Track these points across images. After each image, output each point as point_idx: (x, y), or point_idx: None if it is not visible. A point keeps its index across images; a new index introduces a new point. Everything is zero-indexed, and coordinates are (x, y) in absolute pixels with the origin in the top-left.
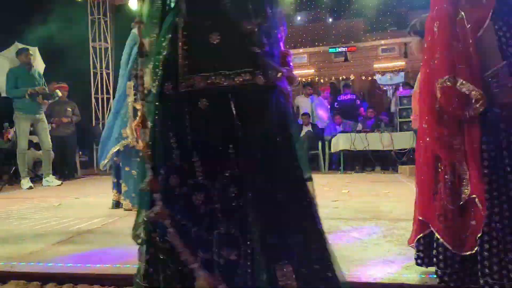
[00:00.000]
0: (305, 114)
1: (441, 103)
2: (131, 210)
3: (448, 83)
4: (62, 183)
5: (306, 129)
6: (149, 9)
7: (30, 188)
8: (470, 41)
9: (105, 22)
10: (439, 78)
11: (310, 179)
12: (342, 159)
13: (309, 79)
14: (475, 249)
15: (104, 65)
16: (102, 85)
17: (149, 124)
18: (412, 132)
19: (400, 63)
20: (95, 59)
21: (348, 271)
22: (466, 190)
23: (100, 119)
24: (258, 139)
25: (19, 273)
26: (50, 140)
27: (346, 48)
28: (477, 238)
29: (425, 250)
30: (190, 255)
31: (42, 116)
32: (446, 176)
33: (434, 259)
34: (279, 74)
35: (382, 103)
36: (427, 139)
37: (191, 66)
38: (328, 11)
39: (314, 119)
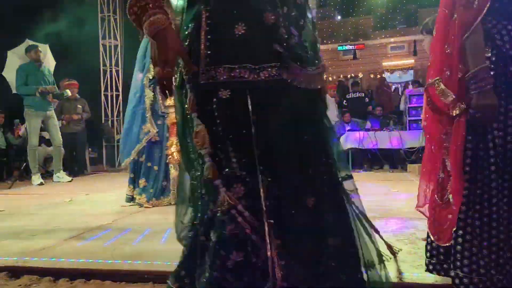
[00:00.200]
0: None
1: (430, 102)
2: (143, 205)
3: (436, 85)
4: (72, 179)
5: None
6: None
7: (41, 184)
8: (456, 44)
9: (115, 20)
10: (429, 79)
11: (349, 177)
12: (350, 157)
13: None
14: (451, 242)
15: (113, 63)
16: (111, 82)
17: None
18: (421, 130)
19: (410, 61)
20: (104, 56)
21: None
22: (449, 187)
23: (109, 116)
24: (280, 137)
25: (32, 268)
26: (60, 136)
27: (355, 46)
28: (452, 231)
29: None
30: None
31: (52, 112)
32: (439, 172)
33: (427, 249)
34: (310, 70)
35: (391, 101)
36: (427, 136)
37: (213, 56)
38: (336, 9)
39: None
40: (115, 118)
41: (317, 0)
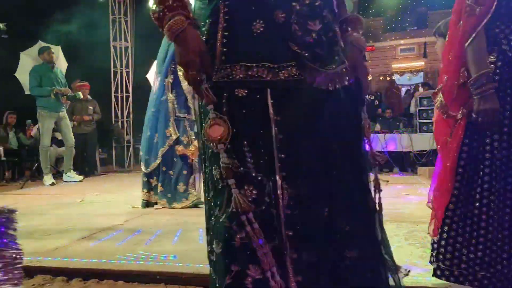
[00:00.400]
0: None
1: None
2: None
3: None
4: (83, 178)
5: None
6: None
7: (53, 184)
8: (456, 50)
9: (126, 22)
10: (440, 83)
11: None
12: None
13: None
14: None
15: (124, 64)
16: (121, 83)
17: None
18: (432, 133)
19: (420, 63)
20: (115, 58)
21: None
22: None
23: (119, 117)
24: (305, 141)
25: (46, 268)
26: (73, 136)
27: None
28: (438, 226)
29: None
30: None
31: (65, 113)
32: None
33: (431, 243)
34: (331, 69)
35: (400, 104)
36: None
37: (229, 54)
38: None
39: None
40: (125, 119)
41: None
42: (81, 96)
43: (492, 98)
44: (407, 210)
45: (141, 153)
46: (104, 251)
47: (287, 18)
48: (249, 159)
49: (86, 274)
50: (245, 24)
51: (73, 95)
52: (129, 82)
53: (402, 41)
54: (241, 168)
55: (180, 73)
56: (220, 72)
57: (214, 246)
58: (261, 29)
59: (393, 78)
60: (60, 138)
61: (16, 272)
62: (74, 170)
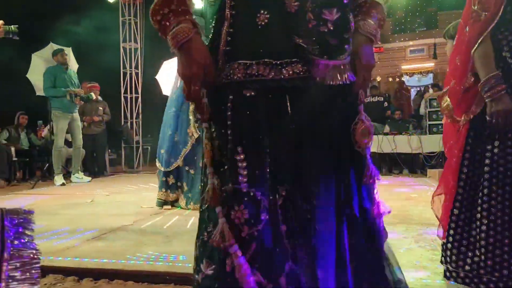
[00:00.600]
0: None
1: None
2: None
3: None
4: (91, 179)
5: None
6: None
7: (63, 184)
8: (463, 56)
9: (135, 23)
10: (446, 86)
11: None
12: None
13: None
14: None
15: (133, 65)
16: (131, 84)
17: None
18: (441, 135)
19: (429, 64)
20: (125, 59)
21: None
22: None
23: (129, 118)
24: (315, 150)
25: (57, 267)
26: (81, 138)
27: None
28: (445, 230)
29: None
30: None
31: (77, 114)
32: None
33: (441, 244)
34: (339, 59)
35: (410, 105)
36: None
37: (231, 53)
38: None
39: None
40: (134, 120)
41: None
42: (94, 97)
43: (503, 99)
44: (416, 212)
45: (162, 151)
46: (114, 251)
47: (301, 6)
48: (241, 171)
49: (96, 274)
50: (250, 16)
51: (86, 95)
52: (138, 83)
53: (411, 42)
54: (230, 185)
55: None
56: (220, 74)
57: (202, 266)
58: (266, 21)
59: (402, 79)
60: (70, 140)
61: (34, 271)
62: (84, 171)
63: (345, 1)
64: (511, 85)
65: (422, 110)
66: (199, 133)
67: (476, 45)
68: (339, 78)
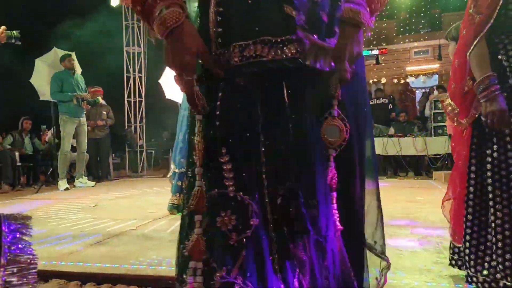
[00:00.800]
0: None
1: (445, 111)
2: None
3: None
4: (95, 184)
5: None
6: None
7: (67, 189)
8: (461, 58)
9: (139, 27)
10: (449, 90)
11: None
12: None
13: None
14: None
15: (137, 69)
16: (134, 88)
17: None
18: (446, 137)
19: (434, 65)
20: (128, 63)
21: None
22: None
23: (132, 122)
24: (305, 145)
25: (60, 272)
26: (86, 142)
27: (378, 51)
28: (455, 234)
29: None
30: None
31: (84, 119)
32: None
33: (450, 246)
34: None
35: (415, 107)
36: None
37: (223, 34)
38: None
39: None
40: (138, 124)
41: None
42: (100, 101)
43: (497, 99)
44: (421, 215)
45: (176, 152)
46: (118, 256)
47: None
48: (226, 174)
49: (100, 278)
50: None
51: (93, 100)
52: (142, 87)
53: (416, 44)
54: (216, 190)
55: None
56: (215, 59)
57: (186, 277)
58: None
59: (407, 81)
60: (75, 145)
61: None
62: (88, 175)
63: None
64: (506, 87)
65: (427, 112)
66: None
67: (471, 47)
68: (327, 64)
